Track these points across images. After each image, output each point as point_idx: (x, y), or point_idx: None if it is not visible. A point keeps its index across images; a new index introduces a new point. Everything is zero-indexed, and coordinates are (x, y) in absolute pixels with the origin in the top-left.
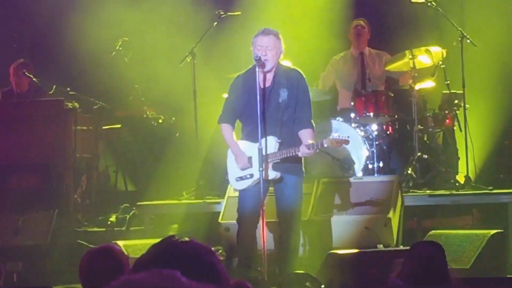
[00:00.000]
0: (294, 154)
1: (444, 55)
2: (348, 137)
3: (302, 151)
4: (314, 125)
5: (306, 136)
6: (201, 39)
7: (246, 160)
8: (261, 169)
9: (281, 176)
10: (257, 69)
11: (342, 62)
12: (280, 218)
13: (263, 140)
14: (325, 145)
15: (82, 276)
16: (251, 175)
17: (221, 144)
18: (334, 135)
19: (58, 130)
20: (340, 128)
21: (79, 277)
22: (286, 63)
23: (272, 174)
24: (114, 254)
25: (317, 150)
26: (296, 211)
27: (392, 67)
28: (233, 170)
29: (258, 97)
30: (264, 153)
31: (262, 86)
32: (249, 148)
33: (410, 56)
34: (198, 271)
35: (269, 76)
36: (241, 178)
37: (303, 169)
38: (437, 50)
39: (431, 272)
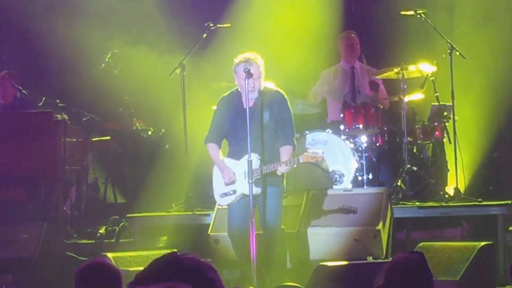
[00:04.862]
0: (274, 169)
1: (434, 70)
2: (323, 152)
3: (280, 168)
4: (295, 142)
5: (284, 152)
6: (191, 51)
7: (231, 174)
8: (250, 181)
9: (262, 189)
10: (246, 81)
11: (332, 76)
12: (264, 229)
13: (246, 156)
14: (301, 161)
15: None
16: (234, 191)
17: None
18: (309, 151)
19: (47, 142)
20: (329, 140)
21: None
22: (269, 84)
23: (254, 190)
24: (107, 268)
25: (294, 166)
26: (278, 220)
27: (380, 76)
28: (218, 186)
29: (247, 109)
30: (251, 167)
31: (245, 107)
32: (233, 165)
33: (400, 71)
34: (199, 286)
35: (252, 97)
36: (225, 194)
37: (284, 183)
38: (426, 69)
39: (415, 282)
